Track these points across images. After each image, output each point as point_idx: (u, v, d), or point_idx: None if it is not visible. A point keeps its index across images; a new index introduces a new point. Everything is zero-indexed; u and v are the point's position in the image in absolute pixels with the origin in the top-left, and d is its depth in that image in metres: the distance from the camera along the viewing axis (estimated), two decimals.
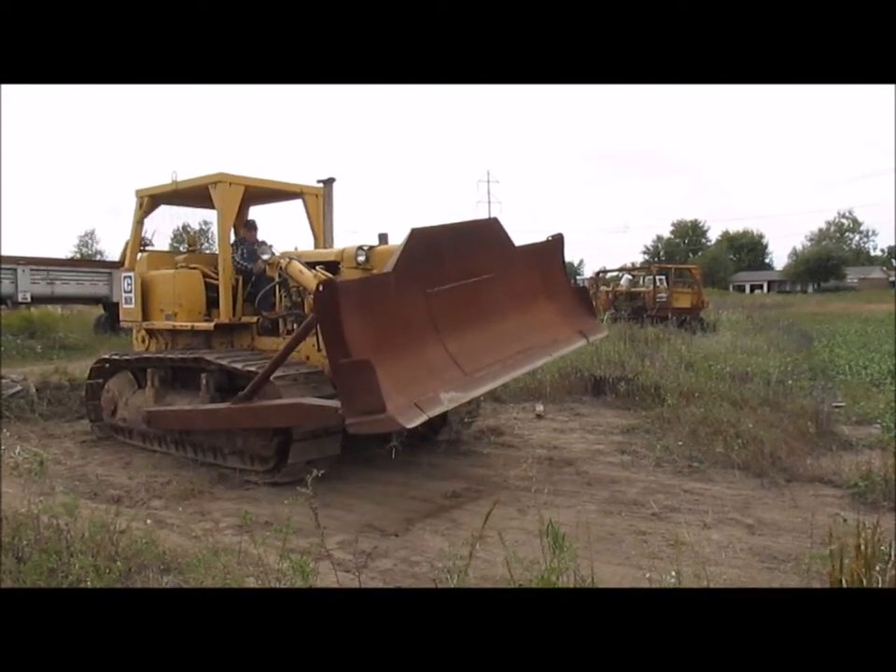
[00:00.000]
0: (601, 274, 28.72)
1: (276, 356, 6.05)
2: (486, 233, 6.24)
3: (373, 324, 4.93)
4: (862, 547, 3.11)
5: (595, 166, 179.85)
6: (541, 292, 6.64)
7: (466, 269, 5.82)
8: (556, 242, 7.14)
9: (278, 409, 5.97)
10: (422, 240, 5.39)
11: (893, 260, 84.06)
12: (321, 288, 4.81)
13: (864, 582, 3.01)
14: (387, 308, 5.11)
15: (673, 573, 3.16)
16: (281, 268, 7.00)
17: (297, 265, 6.79)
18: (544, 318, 6.49)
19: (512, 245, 6.42)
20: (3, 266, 17.76)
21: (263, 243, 7.89)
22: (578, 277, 48.69)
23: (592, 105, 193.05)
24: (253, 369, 6.29)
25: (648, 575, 3.49)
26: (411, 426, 4.63)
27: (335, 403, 5.20)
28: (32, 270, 18.25)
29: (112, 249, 76.04)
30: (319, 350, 6.29)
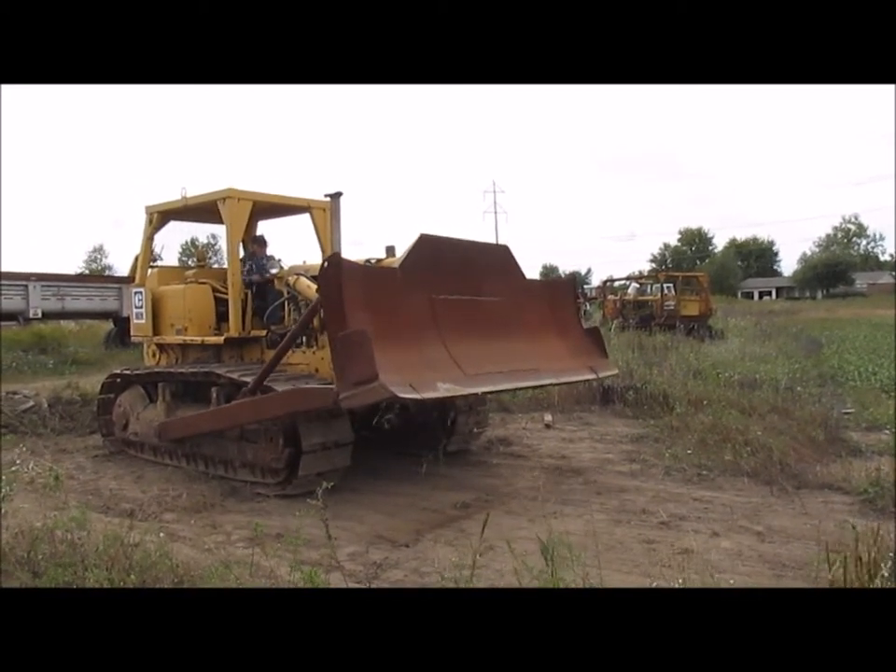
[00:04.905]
0: (608, 283, 28.78)
1: (283, 342, 6.10)
2: (496, 257, 6.31)
3: (376, 311, 4.97)
4: (865, 556, 3.12)
5: (600, 173, 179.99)
6: (552, 327, 6.65)
7: (472, 286, 5.87)
8: (568, 282, 7.23)
9: (278, 398, 6.00)
10: (430, 246, 5.45)
11: None
12: (326, 265, 4.86)
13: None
14: (391, 301, 5.16)
15: (680, 581, 3.19)
16: (289, 284, 7.06)
17: (305, 281, 6.86)
18: (553, 350, 6.50)
19: (522, 274, 6.49)
20: (14, 282, 17.95)
21: (272, 257, 7.97)
22: (585, 286, 48.70)
23: (596, 112, 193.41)
24: None
25: (656, 583, 3.52)
26: (402, 396, 4.66)
27: (332, 385, 5.24)
28: (42, 286, 18.44)
29: (119, 263, 76.61)
30: (323, 331, 6.26)
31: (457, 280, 5.73)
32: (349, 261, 5.20)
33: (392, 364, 4.72)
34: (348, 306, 4.80)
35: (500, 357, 5.79)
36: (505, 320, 6.10)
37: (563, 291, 7.16)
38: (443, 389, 4.98)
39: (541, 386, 7.48)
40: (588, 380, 7.06)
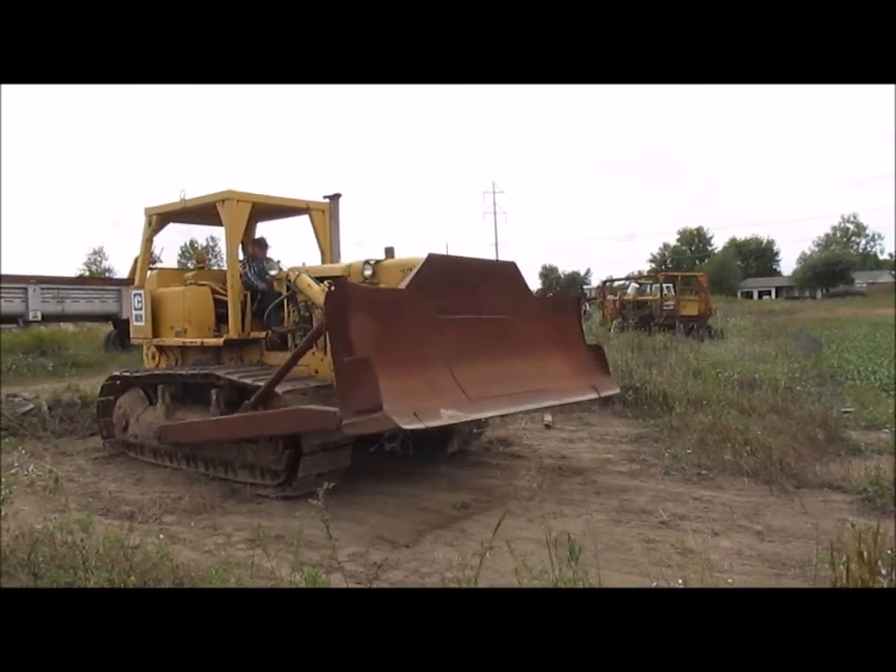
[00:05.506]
0: (608, 283, 28.81)
1: (286, 361, 6.11)
2: (504, 275, 6.35)
3: (381, 333, 4.98)
4: (865, 554, 3.13)
5: (600, 174, 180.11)
6: (556, 345, 6.68)
7: (480, 305, 5.91)
8: (574, 298, 7.28)
9: (278, 416, 6.03)
10: (438, 266, 5.48)
11: None
12: (333, 288, 4.88)
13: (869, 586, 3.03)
14: (397, 323, 5.17)
15: (680, 580, 3.19)
16: (290, 280, 7.07)
17: (306, 278, 6.87)
18: (557, 369, 6.51)
19: (529, 292, 6.54)
20: (14, 285, 17.96)
21: (270, 259, 7.98)
22: (585, 287, 48.78)
23: (596, 112, 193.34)
24: (262, 384, 6.35)
25: (656, 583, 3.52)
26: (406, 427, 4.67)
27: (333, 408, 5.25)
28: (42, 288, 18.43)
29: (119, 265, 76.63)
30: (325, 354, 6.32)
31: (464, 299, 5.75)
32: (355, 286, 5.24)
33: (396, 391, 4.73)
34: (354, 332, 4.81)
35: (504, 379, 5.81)
36: (511, 339, 6.14)
37: (568, 308, 7.21)
38: (447, 416, 5.00)
39: (543, 409, 7.54)
40: (590, 399, 7.10)
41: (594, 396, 6.82)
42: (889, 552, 3.19)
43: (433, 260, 5.45)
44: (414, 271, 5.40)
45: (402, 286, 5.37)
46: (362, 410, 4.68)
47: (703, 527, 5.15)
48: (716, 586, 3.55)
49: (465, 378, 5.45)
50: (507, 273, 6.42)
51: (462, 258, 6.05)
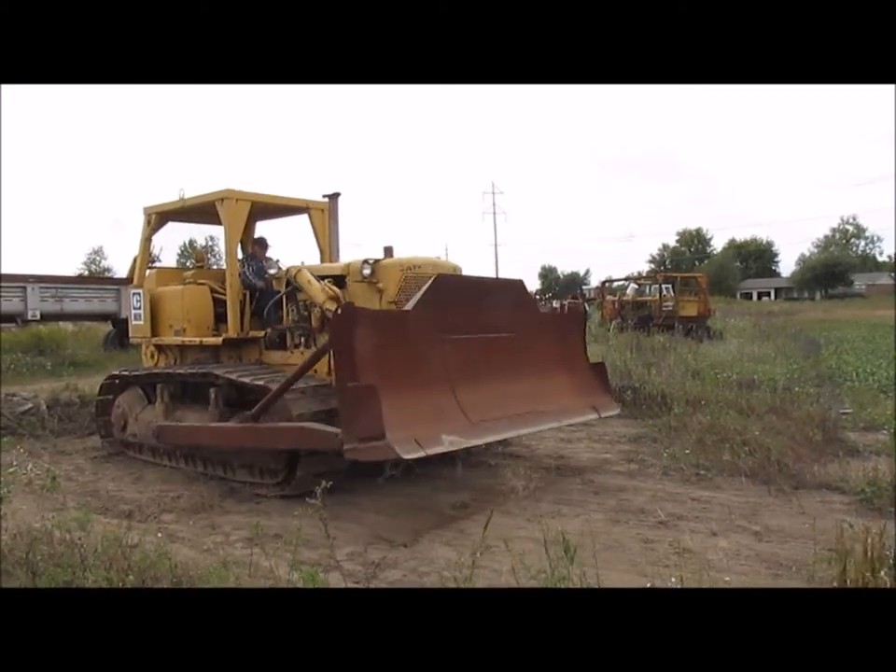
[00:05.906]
0: (607, 284, 28.84)
1: (288, 378, 6.08)
2: (511, 293, 6.39)
3: (386, 356, 5.01)
4: (868, 553, 3.14)
5: (600, 174, 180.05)
6: (559, 362, 6.74)
7: (486, 323, 5.94)
8: (578, 314, 7.31)
9: (280, 431, 6.01)
10: (445, 286, 5.50)
11: None
12: (339, 311, 4.89)
13: (870, 586, 3.03)
14: (402, 345, 5.20)
15: (673, 580, 3.19)
16: (291, 276, 7.07)
17: (306, 274, 6.87)
18: (558, 387, 6.57)
19: (536, 308, 6.57)
20: (13, 284, 17.96)
21: (270, 259, 7.98)
22: (584, 287, 48.80)
23: (596, 112, 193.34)
24: (261, 383, 6.35)
25: (653, 583, 3.52)
26: (408, 457, 4.72)
27: (336, 429, 5.26)
28: (41, 288, 18.45)
29: (118, 265, 76.63)
30: (330, 373, 6.34)
31: (470, 318, 5.78)
32: (361, 309, 5.25)
33: (399, 418, 4.76)
34: (359, 358, 4.82)
35: (506, 400, 5.87)
36: (515, 357, 6.19)
37: (573, 322, 7.24)
38: (448, 442, 5.05)
39: (544, 430, 7.60)
40: (590, 420, 7.16)
41: (594, 416, 6.89)
42: (887, 552, 3.20)
43: (440, 281, 5.47)
44: (421, 291, 5.41)
45: (409, 307, 5.38)
46: (365, 437, 4.70)
47: (701, 527, 5.15)
48: (713, 586, 3.56)
49: (468, 401, 5.49)
50: (513, 290, 6.44)
51: (469, 277, 6.10)
